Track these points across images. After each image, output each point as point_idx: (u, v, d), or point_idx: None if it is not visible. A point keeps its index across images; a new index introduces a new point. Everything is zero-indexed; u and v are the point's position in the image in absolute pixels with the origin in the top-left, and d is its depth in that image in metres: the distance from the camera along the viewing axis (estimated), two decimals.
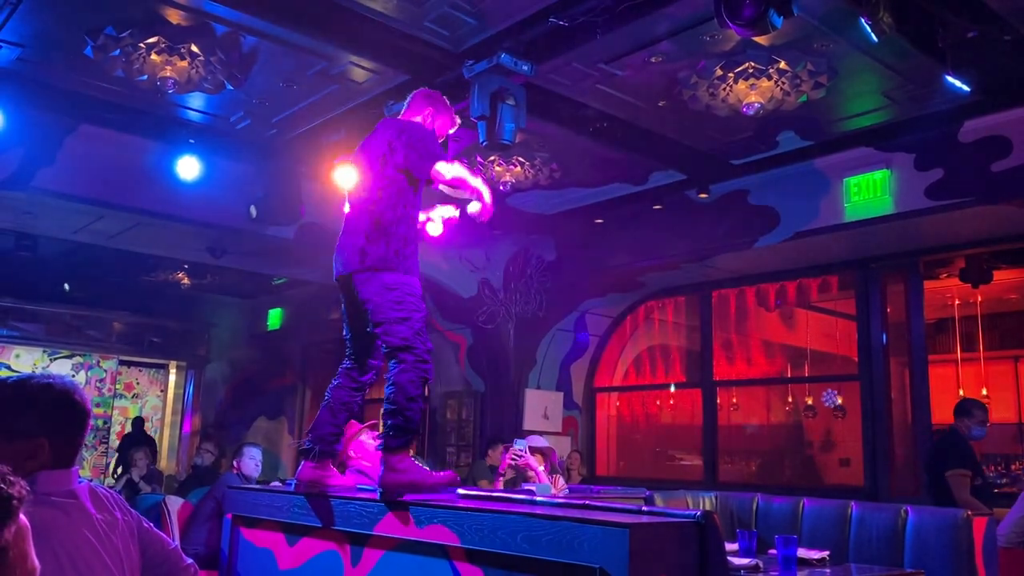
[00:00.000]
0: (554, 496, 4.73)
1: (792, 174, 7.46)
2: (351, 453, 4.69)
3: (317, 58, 5.87)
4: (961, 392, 10.08)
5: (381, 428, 3.33)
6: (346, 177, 6.63)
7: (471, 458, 9.63)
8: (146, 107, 6.73)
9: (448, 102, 3.74)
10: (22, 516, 1.37)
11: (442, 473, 3.18)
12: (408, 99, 3.69)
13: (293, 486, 3.42)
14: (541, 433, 7.48)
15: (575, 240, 9.31)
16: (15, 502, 1.33)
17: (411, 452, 3.19)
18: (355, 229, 3.29)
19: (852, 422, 8.13)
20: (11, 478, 1.35)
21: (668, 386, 9.98)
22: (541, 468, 5.22)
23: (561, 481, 5.47)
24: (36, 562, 1.40)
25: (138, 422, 12.80)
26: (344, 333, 3.45)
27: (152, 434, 13.33)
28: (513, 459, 5.24)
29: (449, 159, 3.43)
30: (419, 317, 3.19)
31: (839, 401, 8.37)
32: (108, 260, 10.05)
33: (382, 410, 3.15)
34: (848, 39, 5.24)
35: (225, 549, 3.69)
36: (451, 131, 3.74)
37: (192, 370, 13.89)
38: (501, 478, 5.56)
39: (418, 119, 3.59)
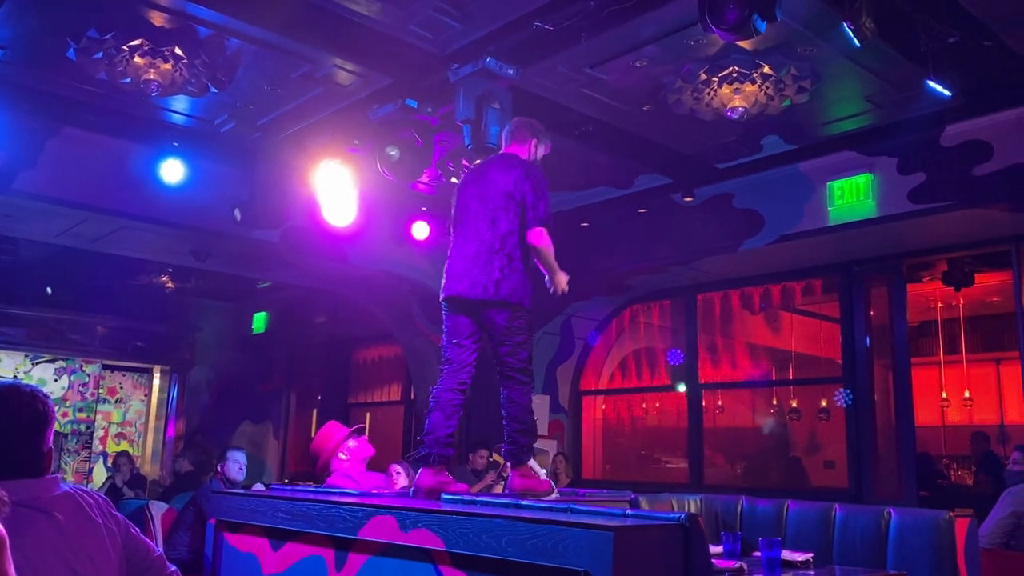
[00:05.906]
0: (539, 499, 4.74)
1: (776, 178, 7.49)
2: (341, 456, 4.68)
3: (301, 61, 5.86)
4: (944, 395, 10.16)
5: (504, 449, 3.82)
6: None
7: (457, 462, 9.60)
8: (129, 110, 6.69)
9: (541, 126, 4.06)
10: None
11: (549, 482, 3.78)
12: (510, 129, 4.02)
13: (412, 493, 3.66)
14: None
15: (560, 243, 9.25)
16: None
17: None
18: (487, 260, 3.68)
19: (836, 425, 8.16)
20: None
21: (654, 389, 9.99)
22: (543, 472, 5.25)
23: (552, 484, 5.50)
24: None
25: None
26: (444, 341, 3.82)
27: (135, 438, 13.26)
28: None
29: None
30: (531, 342, 3.72)
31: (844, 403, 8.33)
32: (91, 264, 9.97)
33: (510, 429, 3.66)
34: (831, 44, 5.27)
35: (209, 554, 3.67)
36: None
37: (176, 374, 13.78)
38: (504, 481, 5.64)
39: (532, 159, 3.94)
